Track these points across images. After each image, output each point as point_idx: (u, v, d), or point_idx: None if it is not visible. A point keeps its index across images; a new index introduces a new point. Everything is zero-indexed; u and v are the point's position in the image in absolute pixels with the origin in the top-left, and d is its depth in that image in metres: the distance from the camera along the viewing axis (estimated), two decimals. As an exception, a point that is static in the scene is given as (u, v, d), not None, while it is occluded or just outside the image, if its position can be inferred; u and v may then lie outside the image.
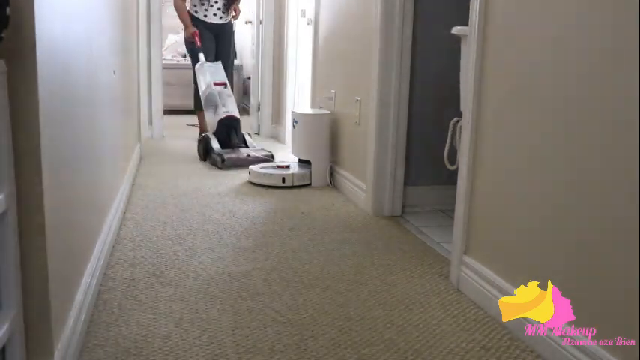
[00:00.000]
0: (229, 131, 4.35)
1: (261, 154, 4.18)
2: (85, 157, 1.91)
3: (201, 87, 4.57)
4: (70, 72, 1.66)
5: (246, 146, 4.36)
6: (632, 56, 1.34)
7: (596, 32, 1.47)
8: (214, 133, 4.32)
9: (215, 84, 4.52)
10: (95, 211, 2.11)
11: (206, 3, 4.78)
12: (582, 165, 1.52)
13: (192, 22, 4.79)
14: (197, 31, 4.74)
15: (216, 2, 4.80)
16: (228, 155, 4.08)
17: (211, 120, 4.40)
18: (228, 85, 4.62)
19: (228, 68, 5.07)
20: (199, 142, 4.42)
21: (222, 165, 4.00)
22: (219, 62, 4.74)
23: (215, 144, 4.22)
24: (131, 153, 3.70)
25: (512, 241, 1.83)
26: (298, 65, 5.05)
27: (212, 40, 4.87)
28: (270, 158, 4.10)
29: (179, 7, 4.74)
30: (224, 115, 4.35)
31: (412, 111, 3.01)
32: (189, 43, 4.85)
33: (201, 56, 4.67)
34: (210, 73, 4.60)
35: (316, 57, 4.06)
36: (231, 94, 4.55)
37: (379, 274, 2.24)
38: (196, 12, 4.83)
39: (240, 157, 4.10)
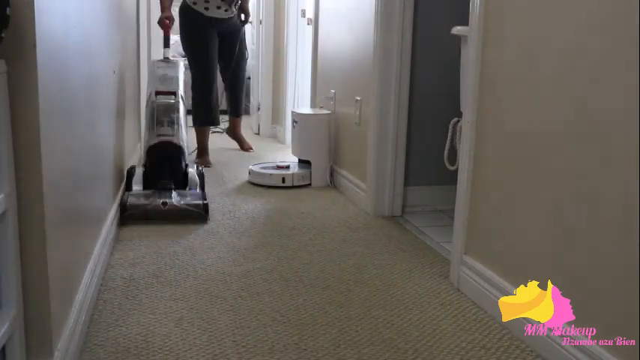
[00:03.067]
0: (161, 163, 2.99)
1: (190, 202, 2.81)
2: (85, 156, 1.91)
3: (147, 94, 3.38)
4: (70, 72, 1.66)
5: (183, 187, 2.97)
6: (632, 56, 1.34)
7: (597, 31, 1.47)
8: (144, 164, 3.08)
9: (157, 93, 3.17)
10: (95, 211, 2.11)
11: None
12: (582, 164, 1.52)
13: (191, 16, 4.09)
14: (169, 18, 3.90)
15: None
16: (136, 201, 2.76)
17: (145, 144, 3.17)
18: (180, 95, 3.25)
19: (238, 74, 4.38)
20: (125, 175, 3.01)
21: (122, 216, 2.69)
22: (177, 61, 3.62)
23: (137, 182, 2.95)
24: (131, 152, 3.70)
25: (512, 241, 1.83)
26: (298, 65, 5.04)
27: (214, 39, 4.16)
28: (201, 212, 2.78)
29: None
30: (156, 140, 3.01)
31: (412, 111, 3.01)
32: (185, 42, 4.18)
33: (166, 51, 3.74)
34: (159, 77, 3.32)
35: (316, 57, 4.06)
36: (179, 109, 3.16)
37: (379, 274, 2.24)
38: (195, 3, 4.07)
39: (153, 204, 2.75)
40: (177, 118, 3.12)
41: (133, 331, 1.74)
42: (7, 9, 1.12)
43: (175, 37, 7.45)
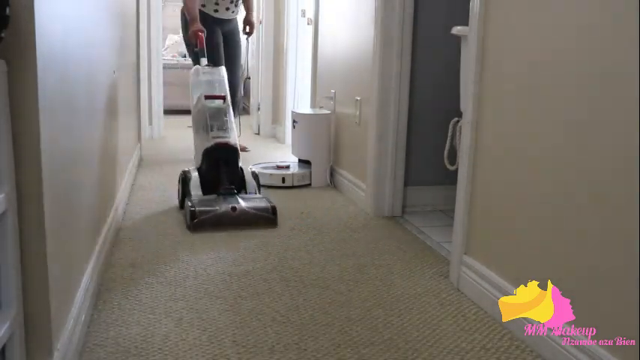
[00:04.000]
0: (218, 166, 2.96)
1: (257, 205, 2.81)
2: (85, 156, 1.91)
3: (193, 100, 3.29)
4: (70, 72, 1.66)
5: (243, 191, 2.99)
6: (632, 56, 1.34)
7: (596, 32, 1.47)
8: (199, 169, 3.01)
9: (207, 97, 3.15)
10: (95, 210, 2.11)
11: None
12: (582, 165, 1.52)
13: (200, 17, 4.01)
14: (202, 30, 3.88)
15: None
16: (204, 207, 2.73)
17: (198, 147, 3.10)
18: (229, 99, 3.24)
19: (239, 71, 4.40)
20: (179, 180, 3.09)
21: (192, 223, 2.68)
22: (222, 67, 3.52)
23: (195, 187, 2.90)
24: (131, 153, 3.70)
25: (512, 241, 1.83)
26: (298, 65, 5.05)
27: (221, 38, 4.23)
28: (270, 215, 2.78)
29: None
30: (212, 143, 2.97)
31: (412, 111, 3.01)
32: (194, 45, 4.01)
33: (203, 60, 3.65)
34: (205, 82, 3.31)
35: (316, 57, 4.06)
36: (230, 112, 3.18)
37: (379, 274, 2.24)
38: (204, 5, 4.16)
39: (222, 210, 2.72)
40: (229, 120, 3.11)
41: (133, 331, 1.74)
42: (7, 9, 1.12)
43: (175, 38, 7.46)
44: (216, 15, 4.23)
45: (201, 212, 2.70)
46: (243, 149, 4.54)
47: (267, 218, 2.76)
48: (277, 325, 1.81)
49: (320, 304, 1.96)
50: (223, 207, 2.73)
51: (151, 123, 5.29)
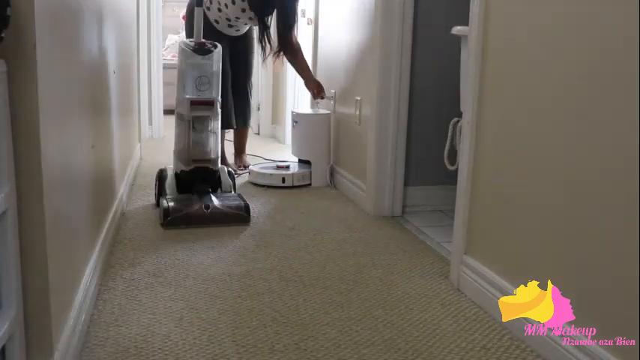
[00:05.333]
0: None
1: (230, 203, 2.84)
2: (85, 156, 1.91)
3: (178, 89, 3.07)
4: (71, 72, 1.66)
5: (219, 190, 3.02)
6: (632, 56, 1.34)
7: (597, 31, 1.47)
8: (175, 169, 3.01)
9: (193, 103, 2.89)
10: (95, 210, 2.11)
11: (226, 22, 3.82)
12: (582, 164, 1.52)
13: (213, 32, 3.69)
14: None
15: (236, 27, 3.88)
16: (177, 205, 2.76)
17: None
18: (218, 104, 2.94)
19: (238, 78, 3.95)
20: (156, 178, 3.11)
21: (165, 221, 2.70)
22: (215, 52, 3.09)
23: (170, 185, 2.95)
24: (131, 153, 3.70)
25: (513, 241, 1.83)
26: (298, 65, 5.03)
27: (224, 44, 3.56)
28: (243, 213, 2.81)
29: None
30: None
31: (412, 111, 3.01)
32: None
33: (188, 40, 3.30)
34: (194, 75, 3.06)
35: (316, 57, 4.06)
36: (217, 115, 2.96)
37: (379, 274, 2.24)
38: (208, 9, 3.78)
39: (194, 208, 2.74)
40: (216, 123, 3.00)
41: (133, 331, 1.74)
42: (8, 9, 1.12)
43: (175, 38, 7.46)
44: (217, 27, 3.84)
45: (174, 210, 2.73)
46: (245, 165, 4.06)
47: (240, 216, 2.80)
48: (277, 325, 1.81)
49: (320, 304, 1.96)
50: (196, 205, 2.77)
51: (151, 123, 5.28)
